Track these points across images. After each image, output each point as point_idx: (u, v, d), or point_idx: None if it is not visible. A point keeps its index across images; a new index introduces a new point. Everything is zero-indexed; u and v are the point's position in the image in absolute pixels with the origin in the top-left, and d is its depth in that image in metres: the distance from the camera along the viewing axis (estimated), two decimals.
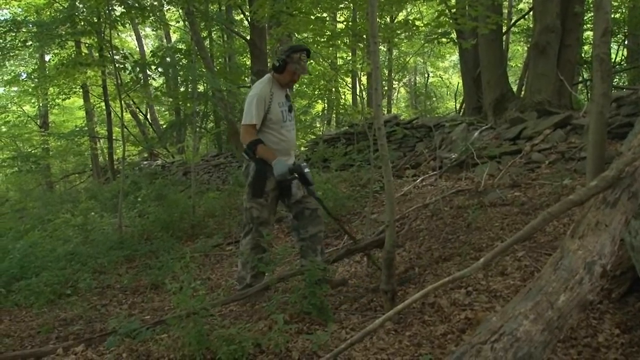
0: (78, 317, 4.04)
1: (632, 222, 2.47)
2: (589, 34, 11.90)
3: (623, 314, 2.62)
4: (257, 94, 3.71)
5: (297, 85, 17.05)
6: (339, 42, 8.28)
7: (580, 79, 11.02)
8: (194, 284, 2.83)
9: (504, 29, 10.82)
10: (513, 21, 13.17)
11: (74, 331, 3.65)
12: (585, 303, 1.83)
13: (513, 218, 4.59)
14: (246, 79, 13.96)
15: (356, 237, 4.33)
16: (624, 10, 11.42)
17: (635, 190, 2.06)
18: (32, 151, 17.83)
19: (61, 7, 12.30)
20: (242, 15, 14.46)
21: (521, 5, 15.14)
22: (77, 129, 16.92)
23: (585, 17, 9.49)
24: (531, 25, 10.86)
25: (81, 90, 17.03)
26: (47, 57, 17.37)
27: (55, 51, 13.03)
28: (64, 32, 9.50)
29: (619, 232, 2.00)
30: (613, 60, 11.85)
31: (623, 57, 12.36)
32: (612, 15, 10.97)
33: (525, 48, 14.92)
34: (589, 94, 10.24)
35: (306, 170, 3.66)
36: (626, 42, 12.19)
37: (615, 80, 11.52)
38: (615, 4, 10.96)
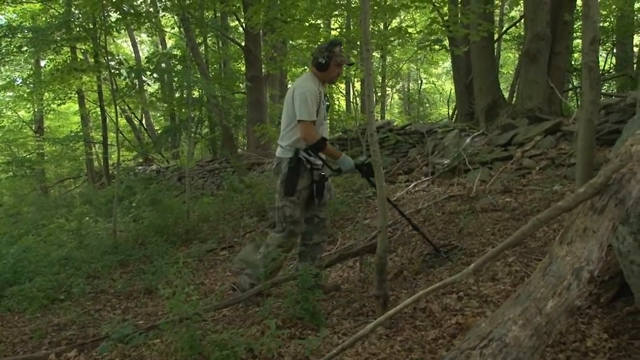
0: (71, 322, 4.04)
1: (620, 228, 2.50)
2: (578, 42, 12.01)
3: (611, 319, 2.65)
4: (308, 90, 3.65)
5: None
6: None
7: (570, 86, 11.12)
8: (187, 289, 2.84)
9: (496, 36, 10.92)
10: (504, 29, 13.28)
11: (67, 336, 3.65)
12: (573, 308, 1.84)
13: (504, 223, 4.63)
14: (241, 85, 14.00)
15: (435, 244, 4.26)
16: (612, 19, 11.55)
17: (622, 197, 2.07)
18: (27, 156, 17.76)
19: (57, 13, 12.32)
20: (237, 22, 14.53)
21: (512, 13, 15.27)
22: (72, 134, 16.89)
23: (575, 26, 9.60)
24: (522, 33, 10.97)
25: (76, 95, 17.00)
26: (42, 63, 17.38)
27: (51, 57, 13.04)
28: (59, 38, 9.51)
29: (607, 238, 2.02)
30: (602, 68, 11.98)
31: (612, 65, 12.49)
32: (601, 24, 11.11)
33: (517, 55, 15.04)
34: (578, 101, 10.35)
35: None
36: (615, 51, 12.32)
37: (604, 87, 11.64)
38: (604, 13, 11.09)
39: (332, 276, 4.50)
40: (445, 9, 8.99)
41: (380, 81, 19.01)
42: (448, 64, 19.33)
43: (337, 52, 3.74)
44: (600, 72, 11.07)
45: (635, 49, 11.94)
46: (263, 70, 12.32)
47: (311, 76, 3.81)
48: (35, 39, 9.67)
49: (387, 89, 22.12)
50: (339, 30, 11.77)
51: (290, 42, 9.23)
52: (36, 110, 19.75)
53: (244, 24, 11.85)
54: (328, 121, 3.99)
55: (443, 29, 6.85)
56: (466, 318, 2.82)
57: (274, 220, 4.01)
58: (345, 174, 3.78)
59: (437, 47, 6.95)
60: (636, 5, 11.21)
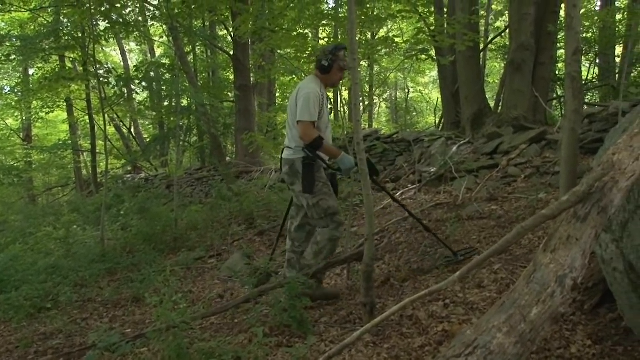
0: (58, 331, 4.01)
1: (603, 235, 2.54)
2: (562, 52, 12.18)
3: (595, 325, 2.68)
4: (311, 92, 3.66)
5: (281, 100, 17.17)
6: None
7: (555, 95, 11.27)
8: (175, 297, 2.84)
9: (481, 46, 11.04)
10: (490, 39, 13.43)
11: (53, 346, 3.62)
12: (557, 316, 1.86)
13: (490, 231, 4.68)
14: (229, 93, 14.02)
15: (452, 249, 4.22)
16: (595, 30, 11.74)
17: (605, 205, 2.09)
18: (15, 164, 17.58)
19: (45, 22, 12.26)
20: (225, 31, 14.57)
21: (498, 24, 15.45)
22: (61, 142, 16.76)
23: (559, 36, 9.75)
24: (507, 43, 11.10)
25: (65, 104, 16.91)
26: (30, 71, 17.26)
27: (39, 65, 12.97)
28: (47, 47, 9.48)
29: (590, 246, 2.04)
30: (585, 78, 12.15)
31: (595, 75, 12.67)
32: (584, 35, 11.28)
33: (502, 65, 15.20)
34: (562, 110, 10.48)
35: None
36: (597, 61, 12.50)
37: (587, 97, 11.80)
38: (587, 24, 11.26)
39: None
40: (432, 19, 9.08)
41: (368, 90, 19.11)
42: (435, 73, 19.46)
43: (340, 56, 3.76)
44: (584, 82, 11.24)
45: (617, 60, 12.12)
46: (252, 79, 12.35)
47: (315, 78, 3.83)
48: (24, 48, 9.63)
49: (375, 97, 22.24)
50: (326, 39, 11.84)
51: (279, 51, 9.28)
52: (24, 118, 19.62)
53: (232, 33, 11.88)
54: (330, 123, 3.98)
55: (429, 38, 6.92)
56: (452, 325, 2.84)
57: (265, 227, 3.99)
58: (346, 175, 3.71)
59: (423, 56, 7.02)
60: (618, 17, 11.42)
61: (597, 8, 13.84)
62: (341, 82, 4.26)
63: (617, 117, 5.82)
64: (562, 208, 2.12)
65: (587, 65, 13.04)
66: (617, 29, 11.46)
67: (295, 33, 6.63)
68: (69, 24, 9.26)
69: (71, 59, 14.01)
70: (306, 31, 8.19)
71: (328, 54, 3.76)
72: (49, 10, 12.31)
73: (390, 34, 12.20)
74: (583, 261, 2.00)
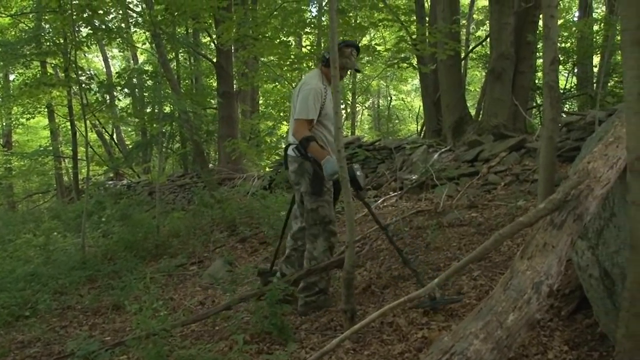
0: (36, 339, 3.95)
1: (579, 242, 2.58)
2: (541, 61, 12.36)
3: (572, 331, 2.72)
4: (313, 88, 3.59)
5: (264, 107, 17.18)
6: (304, 65, 8.42)
7: (534, 104, 11.44)
8: (155, 304, 2.82)
9: (462, 55, 11.18)
10: (471, 48, 13.61)
11: (31, 354, 3.57)
12: (533, 322, 1.88)
13: (470, 238, 4.73)
14: (212, 100, 14.00)
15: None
16: (573, 40, 11.95)
17: (580, 213, 2.13)
18: None
19: (27, 27, 12.15)
20: (209, 38, 14.57)
21: (479, 33, 15.65)
22: (42, 148, 16.58)
23: (538, 46, 9.91)
24: (488, 52, 11.25)
25: (46, 109, 16.74)
26: (11, 77, 17.05)
27: (20, 71, 12.85)
28: (28, 52, 9.40)
29: (565, 253, 2.07)
30: (564, 87, 12.36)
31: (573, 85, 12.89)
32: (563, 45, 11.49)
33: (483, 74, 15.39)
34: (541, 119, 10.63)
35: (358, 173, 3.58)
36: (576, 70, 12.72)
37: (566, 106, 11.99)
38: (565, 34, 11.48)
39: None
40: (413, 27, 9.18)
41: (351, 97, 19.21)
42: (417, 81, 19.67)
43: (346, 53, 3.70)
44: (562, 91, 11.44)
45: (595, 69, 12.35)
46: (235, 86, 12.35)
47: (318, 73, 3.78)
48: (5, 53, 9.51)
49: (358, 105, 22.35)
50: (309, 47, 11.90)
51: (262, 58, 9.31)
52: (4, 124, 19.43)
53: (215, 41, 11.89)
54: None
55: (411, 47, 7.01)
56: (432, 332, 2.86)
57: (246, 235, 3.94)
58: (328, 180, 3.54)
59: (404, 65, 7.10)
60: (595, 28, 11.67)
61: (576, 18, 14.12)
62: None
63: (594, 125, 5.92)
64: (539, 215, 2.15)
65: (566, 74, 13.26)
66: (594, 40, 11.71)
67: (277, 41, 6.67)
68: (51, 30, 9.18)
69: (53, 65, 13.89)
70: (289, 39, 8.23)
71: None
72: (30, 15, 12.20)
73: (373, 42, 12.32)
74: (559, 268, 2.03)
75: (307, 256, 3.75)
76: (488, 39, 10.57)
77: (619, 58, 10.30)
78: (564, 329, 2.75)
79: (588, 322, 2.73)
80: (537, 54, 10.03)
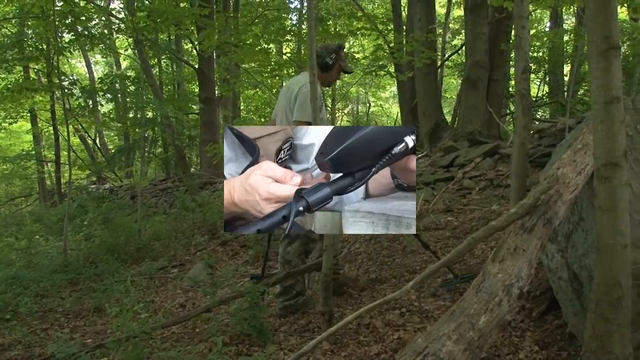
0: (16, 342, 3.89)
1: (549, 246, 2.66)
2: (514, 69, 12.60)
3: (542, 332, 2.81)
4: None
5: (245, 113, 17.23)
6: (284, 71, 8.47)
7: (508, 111, 11.67)
8: (136, 306, 2.84)
9: (439, 63, 11.36)
10: (447, 56, 13.83)
11: (11, 357, 3.53)
12: (504, 323, 1.96)
13: (445, 241, 4.82)
14: (194, 106, 14.00)
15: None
16: (545, 50, 12.24)
17: (550, 217, 2.21)
18: None
19: (9, 33, 11.97)
20: (190, 45, 14.57)
21: (454, 42, 15.91)
22: (24, 152, 16.33)
23: (511, 55, 10.13)
24: (463, 60, 11.46)
25: (29, 114, 16.52)
26: None
27: (2, 75, 12.65)
28: (11, 57, 9.28)
29: (536, 256, 2.14)
30: (536, 95, 12.64)
31: (545, 93, 13.18)
32: (535, 54, 11.77)
33: (458, 81, 15.63)
34: (514, 125, 10.84)
35: None
36: (547, 79, 13.02)
37: (538, 113, 12.26)
38: (537, 44, 11.76)
39: None
40: (391, 36, 9.31)
41: (330, 103, 19.33)
42: (395, 88, 19.87)
43: (342, 56, 3.70)
44: (534, 99, 11.69)
45: (566, 78, 12.64)
46: (216, 91, 12.37)
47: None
48: None
49: (337, 111, 22.48)
50: (290, 54, 11.96)
51: (243, 65, 9.35)
52: None
53: (197, 47, 11.91)
54: None
55: (388, 55, 7.12)
56: (407, 333, 2.93)
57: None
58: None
59: (382, 72, 7.21)
60: (565, 38, 11.97)
61: (547, 29, 14.46)
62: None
63: (564, 132, 6.08)
64: (511, 220, 2.22)
65: (538, 82, 13.57)
66: (565, 49, 12.01)
67: (258, 48, 6.72)
68: (34, 35, 9.09)
69: (35, 70, 13.73)
70: (269, 46, 8.28)
71: (331, 52, 3.61)
72: (13, 21, 12.04)
73: (352, 50, 12.44)
74: (529, 271, 2.10)
75: (281, 260, 3.76)
76: (463, 48, 10.76)
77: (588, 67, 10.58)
78: (534, 330, 2.83)
79: (558, 322, 2.81)
80: (511, 62, 10.25)
